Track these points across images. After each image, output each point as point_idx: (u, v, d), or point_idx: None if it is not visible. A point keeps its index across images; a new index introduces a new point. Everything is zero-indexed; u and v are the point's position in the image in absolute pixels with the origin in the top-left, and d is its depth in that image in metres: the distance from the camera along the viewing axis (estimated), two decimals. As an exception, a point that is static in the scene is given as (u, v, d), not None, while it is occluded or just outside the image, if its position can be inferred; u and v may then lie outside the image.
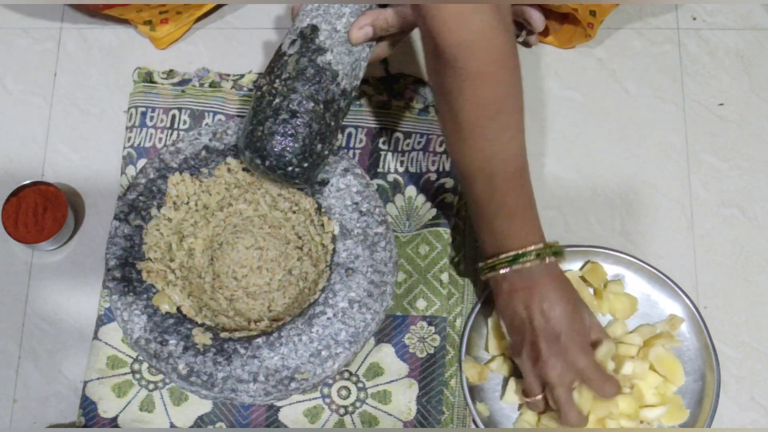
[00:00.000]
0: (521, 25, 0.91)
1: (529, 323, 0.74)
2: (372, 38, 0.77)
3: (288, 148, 0.75)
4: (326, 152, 0.78)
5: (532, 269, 0.73)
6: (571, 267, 0.85)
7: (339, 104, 0.77)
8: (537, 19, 0.89)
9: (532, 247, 0.73)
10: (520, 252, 0.73)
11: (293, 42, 0.77)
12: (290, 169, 0.75)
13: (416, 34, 0.94)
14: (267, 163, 0.75)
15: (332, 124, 0.77)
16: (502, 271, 0.74)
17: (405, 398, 0.81)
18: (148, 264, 0.78)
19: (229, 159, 0.82)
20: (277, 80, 0.76)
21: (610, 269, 0.85)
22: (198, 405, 0.82)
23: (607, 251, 0.84)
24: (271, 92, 0.76)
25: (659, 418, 0.80)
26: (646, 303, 0.84)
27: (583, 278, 0.85)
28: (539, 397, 0.76)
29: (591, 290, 0.84)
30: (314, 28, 0.76)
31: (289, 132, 0.75)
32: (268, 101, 0.76)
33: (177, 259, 0.80)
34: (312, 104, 0.75)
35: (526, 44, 0.94)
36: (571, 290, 0.75)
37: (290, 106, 0.75)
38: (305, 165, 0.76)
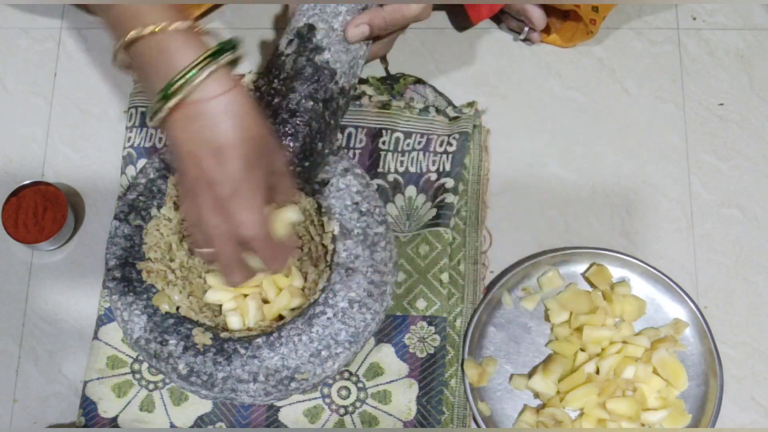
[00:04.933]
0: (523, 23, 0.92)
1: (195, 165, 0.63)
2: (368, 37, 0.77)
3: (288, 148, 0.75)
4: (326, 151, 0.78)
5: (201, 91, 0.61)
6: (576, 269, 0.85)
7: (338, 102, 0.77)
8: (537, 17, 0.89)
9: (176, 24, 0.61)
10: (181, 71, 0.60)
11: (290, 41, 0.77)
12: (291, 168, 0.75)
13: (416, 34, 0.94)
14: None
15: (332, 122, 0.77)
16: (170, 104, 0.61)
17: (405, 398, 0.81)
18: (148, 264, 0.78)
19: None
20: (276, 80, 0.76)
21: (615, 272, 0.84)
22: (198, 405, 0.82)
23: (612, 254, 0.84)
24: (270, 92, 0.76)
25: (660, 422, 0.79)
26: (650, 306, 0.84)
27: (588, 280, 0.84)
28: (211, 249, 0.67)
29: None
30: (311, 27, 0.76)
31: (289, 131, 0.75)
32: (267, 101, 0.76)
33: (177, 259, 0.79)
34: (311, 103, 0.75)
35: (529, 41, 0.94)
36: (253, 119, 0.64)
37: (289, 105, 0.75)
38: (306, 164, 0.76)
